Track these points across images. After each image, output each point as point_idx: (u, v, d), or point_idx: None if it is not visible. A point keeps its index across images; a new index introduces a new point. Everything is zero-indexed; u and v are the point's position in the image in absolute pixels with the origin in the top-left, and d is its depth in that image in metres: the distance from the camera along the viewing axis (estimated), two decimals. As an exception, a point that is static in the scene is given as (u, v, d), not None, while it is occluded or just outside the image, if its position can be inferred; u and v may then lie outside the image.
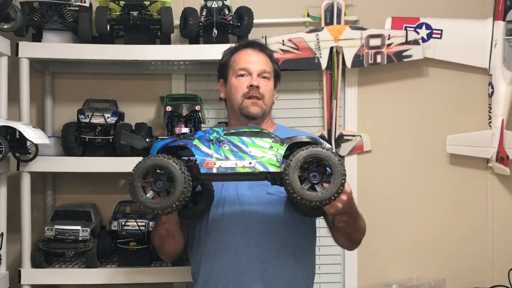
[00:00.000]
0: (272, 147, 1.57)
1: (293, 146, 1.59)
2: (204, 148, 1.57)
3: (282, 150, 1.57)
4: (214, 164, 1.56)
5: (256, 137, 1.58)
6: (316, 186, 1.53)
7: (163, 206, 1.54)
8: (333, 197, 1.53)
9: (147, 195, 1.55)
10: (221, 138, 1.57)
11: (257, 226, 1.89)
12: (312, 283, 2.04)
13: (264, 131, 1.60)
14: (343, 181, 1.52)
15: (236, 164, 1.56)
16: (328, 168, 1.53)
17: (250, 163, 1.55)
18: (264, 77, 2.00)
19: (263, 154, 1.56)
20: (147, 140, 1.66)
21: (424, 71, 2.84)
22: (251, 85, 1.97)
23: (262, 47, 2.07)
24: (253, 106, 1.97)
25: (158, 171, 1.55)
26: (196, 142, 1.57)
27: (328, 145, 1.61)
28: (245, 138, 1.58)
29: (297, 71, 2.76)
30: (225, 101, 2.13)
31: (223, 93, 2.09)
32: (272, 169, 1.56)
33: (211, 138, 1.58)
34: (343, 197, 1.65)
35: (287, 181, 1.52)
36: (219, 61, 2.13)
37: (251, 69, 1.99)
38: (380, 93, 2.84)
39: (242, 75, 2.00)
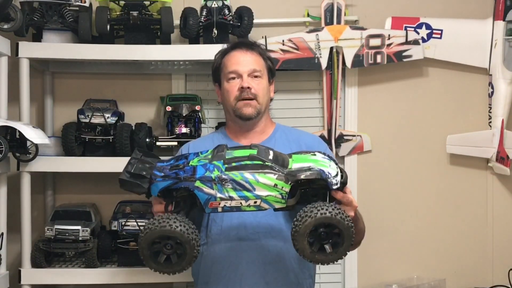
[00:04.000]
0: (276, 184, 1.51)
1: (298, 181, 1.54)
2: (206, 189, 1.52)
3: (287, 188, 1.52)
4: (219, 204, 1.53)
5: (259, 173, 1.51)
6: (325, 245, 1.51)
7: (176, 269, 1.54)
8: (342, 258, 1.53)
9: (158, 259, 1.53)
10: (223, 176, 1.51)
11: (258, 228, 1.89)
12: (313, 284, 2.04)
13: (266, 163, 1.53)
14: (352, 243, 1.50)
15: (241, 203, 1.53)
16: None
17: (255, 202, 1.52)
18: (256, 76, 1.98)
19: (268, 192, 1.52)
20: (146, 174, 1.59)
21: (424, 71, 2.84)
22: (242, 87, 1.95)
23: (250, 46, 2.04)
24: (246, 107, 1.96)
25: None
26: (198, 183, 1.52)
27: (333, 171, 1.55)
28: (247, 175, 1.51)
29: (297, 71, 2.76)
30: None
31: (219, 97, 2.08)
32: (277, 205, 1.54)
33: (213, 177, 1.51)
34: (351, 213, 1.63)
35: (297, 247, 1.51)
36: (212, 65, 2.11)
37: (240, 71, 1.97)
38: (380, 93, 2.84)
39: (233, 78, 1.98)
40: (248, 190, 1.51)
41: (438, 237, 2.84)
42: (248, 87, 1.95)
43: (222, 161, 1.55)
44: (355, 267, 2.81)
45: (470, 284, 2.78)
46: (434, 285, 2.72)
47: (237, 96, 1.97)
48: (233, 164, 1.54)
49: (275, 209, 1.56)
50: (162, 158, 1.71)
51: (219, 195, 1.52)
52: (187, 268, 1.54)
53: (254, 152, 1.57)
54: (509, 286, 2.66)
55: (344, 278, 2.83)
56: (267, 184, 1.51)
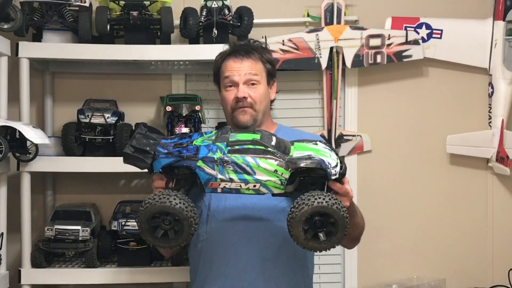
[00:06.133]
0: (277, 170, 1.53)
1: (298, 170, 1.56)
2: (208, 169, 1.54)
3: (286, 175, 1.54)
4: (219, 185, 1.55)
5: (260, 157, 1.54)
6: (319, 233, 1.53)
7: (172, 245, 1.56)
8: (334, 247, 1.55)
9: (156, 234, 1.54)
10: (225, 158, 1.53)
11: (258, 224, 1.89)
12: (311, 283, 2.04)
13: (268, 149, 1.55)
14: (346, 233, 1.52)
15: (241, 186, 1.55)
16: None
17: (254, 185, 1.55)
18: (252, 84, 1.99)
19: (268, 177, 1.54)
20: (151, 150, 1.60)
21: (424, 71, 2.84)
22: (237, 97, 1.97)
23: (247, 52, 2.03)
24: (242, 115, 1.98)
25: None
26: (200, 163, 1.54)
27: (333, 161, 1.57)
28: (249, 159, 1.54)
29: (297, 71, 2.76)
30: None
31: (220, 99, 2.10)
32: (276, 191, 1.56)
33: (215, 158, 1.54)
34: (346, 203, 1.64)
35: (291, 233, 1.53)
36: (213, 66, 2.12)
37: (235, 80, 1.98)
38: (380, 93, 2.84)
39: (229, 86, 2.00)
40: (248, 173, 1.54)
41: (438, 237, 2.84)
42: (244, 97, 1.96)
43: (225, 143, 1.57)
44: (355, 267, 2.81)
45: (470, 284, 2.78)
46: (434, 285, 2.72)
47: (233, 106, 1.99)
48: (236, 147, 1.56)
49: (273, 194, 1.59)
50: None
51: (219, 176, 1.54)
52: (183, 244, 1.56)
53: (257, 136, 1.59)
54: (509, 286, 2.66)
55: (344, 278, 2.83)
56: (267, 169, 1.53)
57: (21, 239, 2.40)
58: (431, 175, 2.85)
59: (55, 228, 2.38)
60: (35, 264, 2.40)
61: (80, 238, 2.39)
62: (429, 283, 2.72)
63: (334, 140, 2.74)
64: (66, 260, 2.54)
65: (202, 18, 2.49)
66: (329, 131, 2.75)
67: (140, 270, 2.47)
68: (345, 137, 2.78)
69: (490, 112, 2.78)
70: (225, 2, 2.51)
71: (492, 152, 2.74)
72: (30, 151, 2.32)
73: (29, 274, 2.40)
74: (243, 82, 1.98)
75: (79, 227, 2.40)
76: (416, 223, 2.84)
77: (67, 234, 2.39)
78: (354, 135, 2.79)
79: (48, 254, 2.44)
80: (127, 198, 2.64)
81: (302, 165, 1.55)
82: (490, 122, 2.78)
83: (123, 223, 2.44)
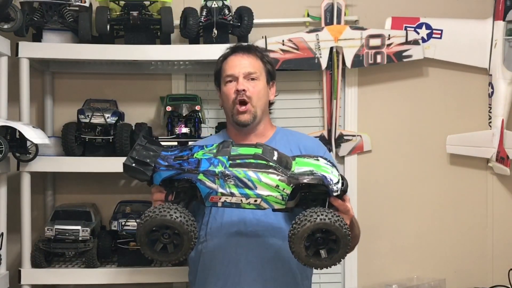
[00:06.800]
0: (278, 185, 1.53)
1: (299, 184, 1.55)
2: (209, 183, 1.53)
3: (288, 190, 1.53)
4: (219, 199, 1.54)
5: (262, 172, 1.53)
6: (321, 250, 1.52)
7: (171, 259, 1.55)
8: (335, 264, 1.54)
9: (155, 247, 1.53)
10: (227, 172, 1.52)
11: (258, 226, 1.90)
12: (311, 283, 2.04)
13: (270, 163, 1.55)
14: (347, 250, 1.52)
15: (241, 200, 1.54)
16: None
17: (255, 200, 1.54)
18: (252, 79, 2.01)
19: (269, 192, 1.53)
20: (151, 162, 1.59)
21: (424, 71, 2.84)
22: (237, 90, 1.98)
23: (247, 50, 2.06)
24: (242, 114, 1.99)
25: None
26: (201, 176, 1.53)
27: (335, 178, 1.57)
28: (251, 174, 1.53)
29: (297, 71, 2.76)
30: None
31: (220, 101, 2.10)
32: (277, 206, 1.55)
33: (216, 172, 1.53)
34: (347, 221, 1.63)
35: (292, 249, 1.51)
36: (214, 69, 2.13)
37: (236, 74, 2.00)
38: (380, 93, 2.84)
39: (230, 81, 2.02)
40: (249, 188, 1.53)
41: (438, 237, 2.84)
42: (243, 90, 1.97)
43: (227, 157, 1.56)
44: (355, 267, 2.81)
45: (470, 284, 2.79)
46: (434, 285, 2.72)
47: (233, 100, 2.00)
48: (238, 161, 1.55)
49: (274, 210, 1.58)
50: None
51: (220, 190, 1.53)
52: (182, 259, 1.55)
53: (259, 151, 1.59)
54: (509, 286, 2.66)
55: (344, 278, 2.83)
56: (269, 184, 1.53)
57: (21, 239, 2.40)
58: (431, 175, 2.85)
59: (55, 228, 2.39)
60: (35, 264, 2.40)
61: (80, 238, 2.39)
62: (429, 283, 2.72)
63: (334, 140, 2.74)
64: (66, 260, 2.54)
65: (202, 18, 2.50)
66: (329, 131, 2.75)
67: (140, 270, 2.46)
68: (345, 137, 2.78)
69: (490, 112, 2.78)
70: (225, 2, 2.52)
71: (492, 152, 2.74)
72: (30, 151, 2.32)
73: (29, 274, 2.40)
74: (243, 76, 2.00)
75: (79, 227, 2.40)
76: (416, 223, 2.84)
77: (67, 234, 2.39)
78: (354, 135, 2.79)
79: (48, 254, 2.44)
80: (127, 198, 2.64)
81: (304, 181, 1.54)
82: (490, 122, 2.78)
83: (123, 223, 2.45)
